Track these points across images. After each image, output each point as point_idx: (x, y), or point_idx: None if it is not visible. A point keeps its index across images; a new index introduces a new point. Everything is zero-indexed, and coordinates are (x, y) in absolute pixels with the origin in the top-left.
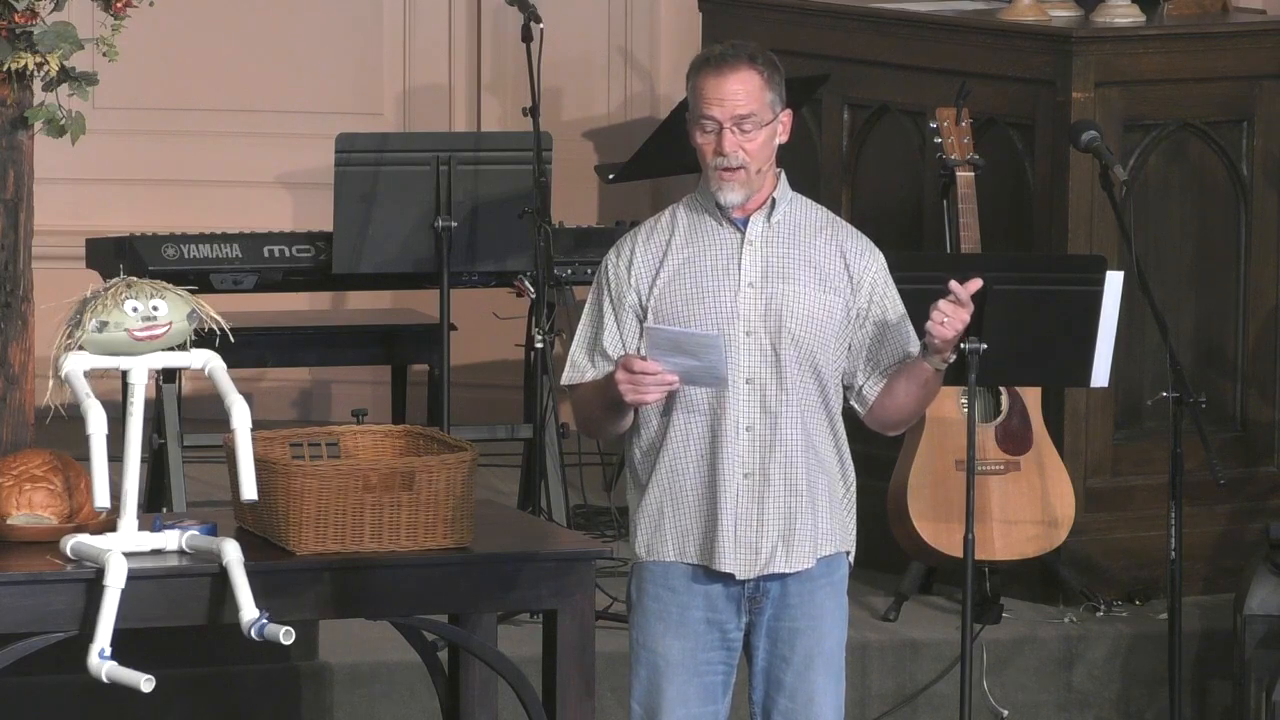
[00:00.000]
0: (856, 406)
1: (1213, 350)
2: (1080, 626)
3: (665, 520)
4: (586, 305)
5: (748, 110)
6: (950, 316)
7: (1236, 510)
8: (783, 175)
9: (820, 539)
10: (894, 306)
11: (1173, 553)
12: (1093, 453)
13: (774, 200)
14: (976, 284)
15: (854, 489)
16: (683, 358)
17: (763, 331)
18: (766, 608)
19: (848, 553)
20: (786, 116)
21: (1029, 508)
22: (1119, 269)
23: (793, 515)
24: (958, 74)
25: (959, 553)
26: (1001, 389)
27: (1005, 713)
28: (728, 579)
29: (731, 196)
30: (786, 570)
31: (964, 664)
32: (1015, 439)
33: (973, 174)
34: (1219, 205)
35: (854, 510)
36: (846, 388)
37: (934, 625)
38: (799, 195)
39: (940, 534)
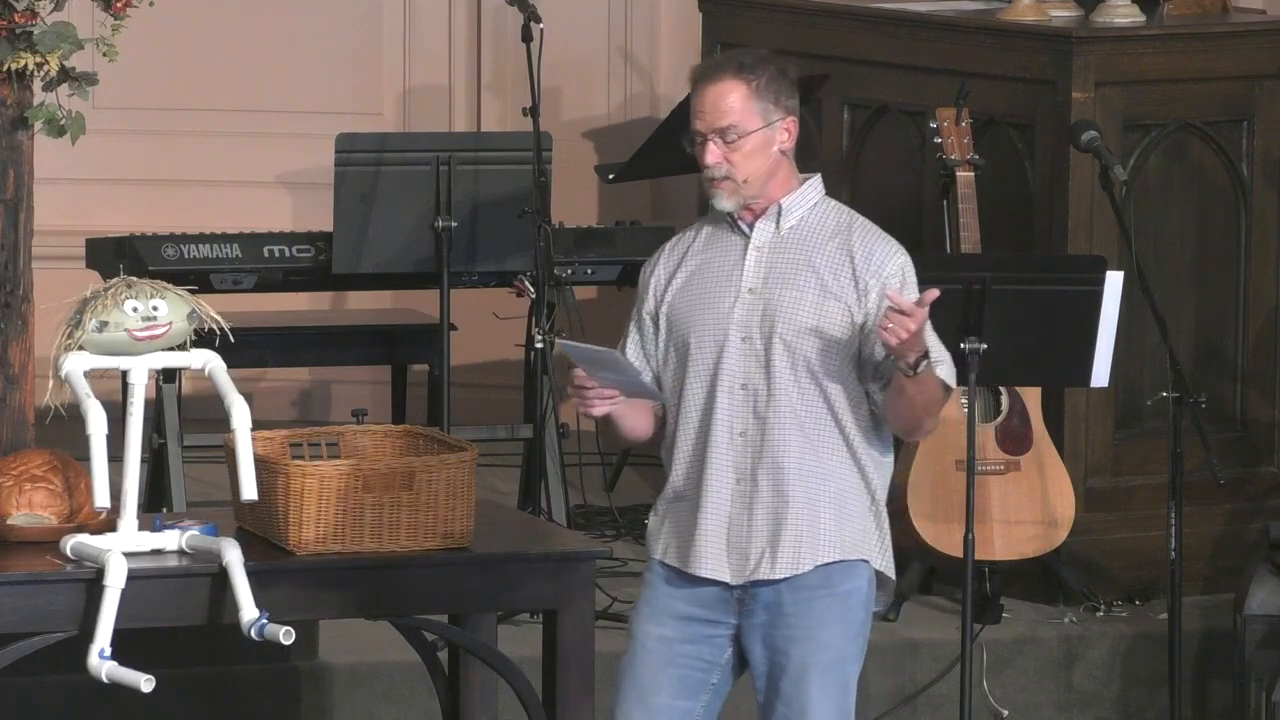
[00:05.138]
0: (878, 414)
1: (1213, 350)
2: (1080, 626)
3: (667, 519)
4: None
5: (728, 122)
6: (894, 324)
7: (1236, 510)
8: (814, 180)
9: (821, 547)
10: None
11: (1173, 553)
12: (1093, 453)
13: (781, 206)
14: (933, 295)
15: (882, 500)
16: (605, 371)
17: (758, 337)
18: (758, 612)
19: (865, 561)
20: (789, 123)
21: (1029, 508)
22: (1119, 269)
23: (779, 521)
24: (958, 74)
25: (959, 553)
26: (1001, 389)
27: (1005, 713)
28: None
29: (724, 203)
30: (771, 577)
31: (964, 664)
32: (1015, 439)
33: (973, 174)
34: (1219, 205)
35: (881, 521)
36: (869, 395)
37: (934, 625)
38: (829, 200)
39: (940, 534)
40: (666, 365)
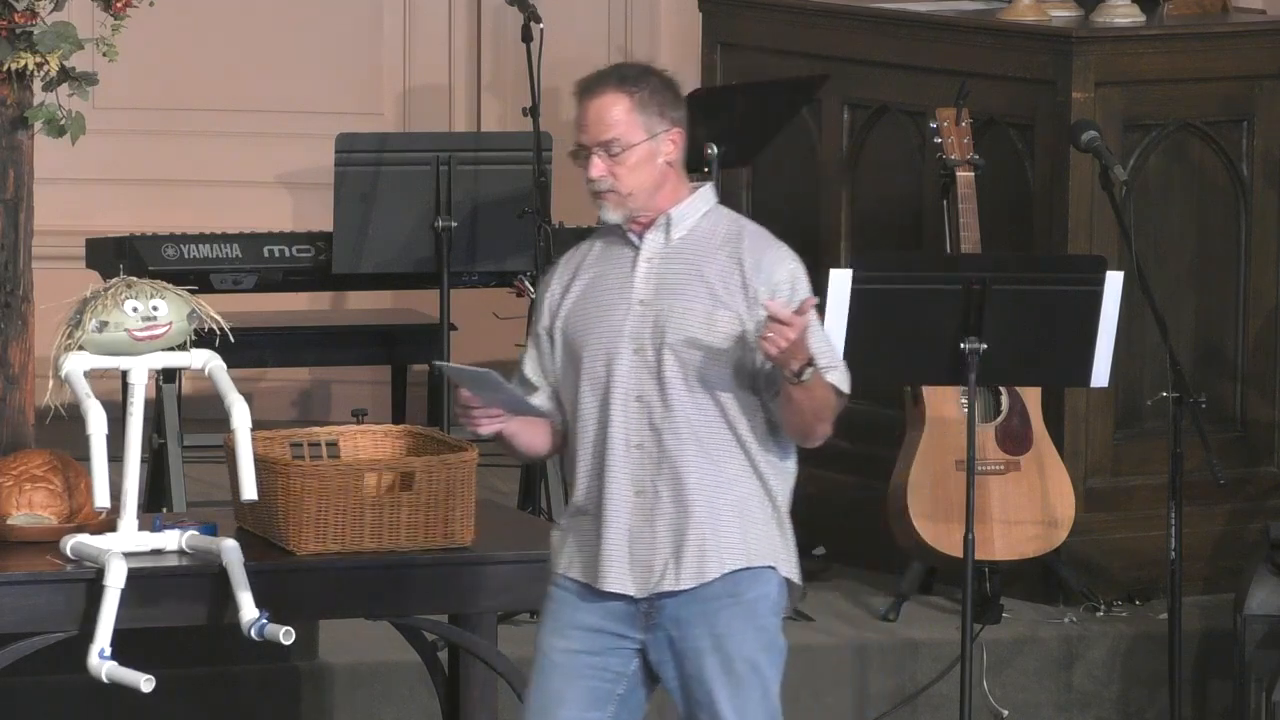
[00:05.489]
0: (774, 421)
1: (1213, 350)
2: (1080, 626)
3: (570, 534)
4: None
5: (612, 135)
6: (774, 333)
7: (1236, 510)
8: (705, 189)
9: (725, 555)
10: None
11: (1173, 553)
12: (1093, 453)
13: (670, 217)
14: (812, 302)
15: (784, 507)
16: (486, 391)
17: (650, 349)
18: (665, 626)
19: (773, 567)
20: (674, 135)
21: (1029, 508)
22: (1119, 269)
23: (681, 532)
24: (958, 74)
25: (959, 553)
26: (1001, 389)
27: (1005, 713)
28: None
29: (610, 215)
30: (676, 588)
31: (964, 664)
32: (1015, 439)
33: (973, 174)
34: (1219, 205)
35: (785, 527)
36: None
37: (934, 625)
38: (720, 209)
39: (940, 534)
40: (564, 380)
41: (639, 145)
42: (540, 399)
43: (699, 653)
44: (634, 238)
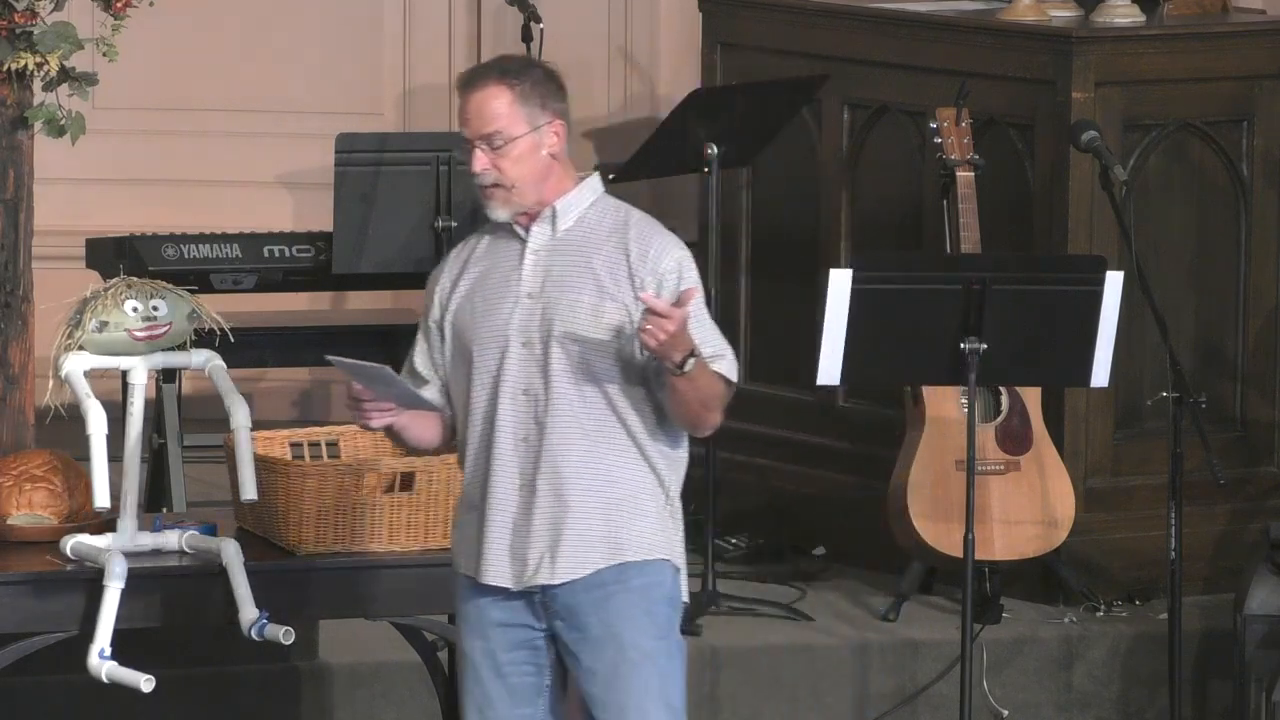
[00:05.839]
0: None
1: (1213, 350)
2: (1080, 626)
3: (462, 529)
4: None
5: (494, 128)
6: (653, 326)
7: (1236, 510)
8: (591, 179)
9: (609, 548)
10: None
11: (1173, 553)
12: (1093, 453)
13: (555, 209)
14: (692, 294)
15: (675, 496)
16: (379, 385)
17: (538, 342)
18: (559, 614)
19: (666, 559)
20: (556, 126)
21: (1029, 508)
22: (1119, 269)
23: (559, 527)
24: (958, 74)
25: (959, 553)
26: (1001, 389)
27: (1005, 713)
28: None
29: (497, 213)
30: (550, 582)
31: (964, 664)
32: (1015, 439)
33: (973, 174)
34: (1219, 205)
35: (676, 517)
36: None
37: (934, 625)
38: (608, 198)
39: (940, 534)
40: (453, 373)
41: (522, 138)
42: (430, 392)
43: (595, 643)
44: (520, 230)
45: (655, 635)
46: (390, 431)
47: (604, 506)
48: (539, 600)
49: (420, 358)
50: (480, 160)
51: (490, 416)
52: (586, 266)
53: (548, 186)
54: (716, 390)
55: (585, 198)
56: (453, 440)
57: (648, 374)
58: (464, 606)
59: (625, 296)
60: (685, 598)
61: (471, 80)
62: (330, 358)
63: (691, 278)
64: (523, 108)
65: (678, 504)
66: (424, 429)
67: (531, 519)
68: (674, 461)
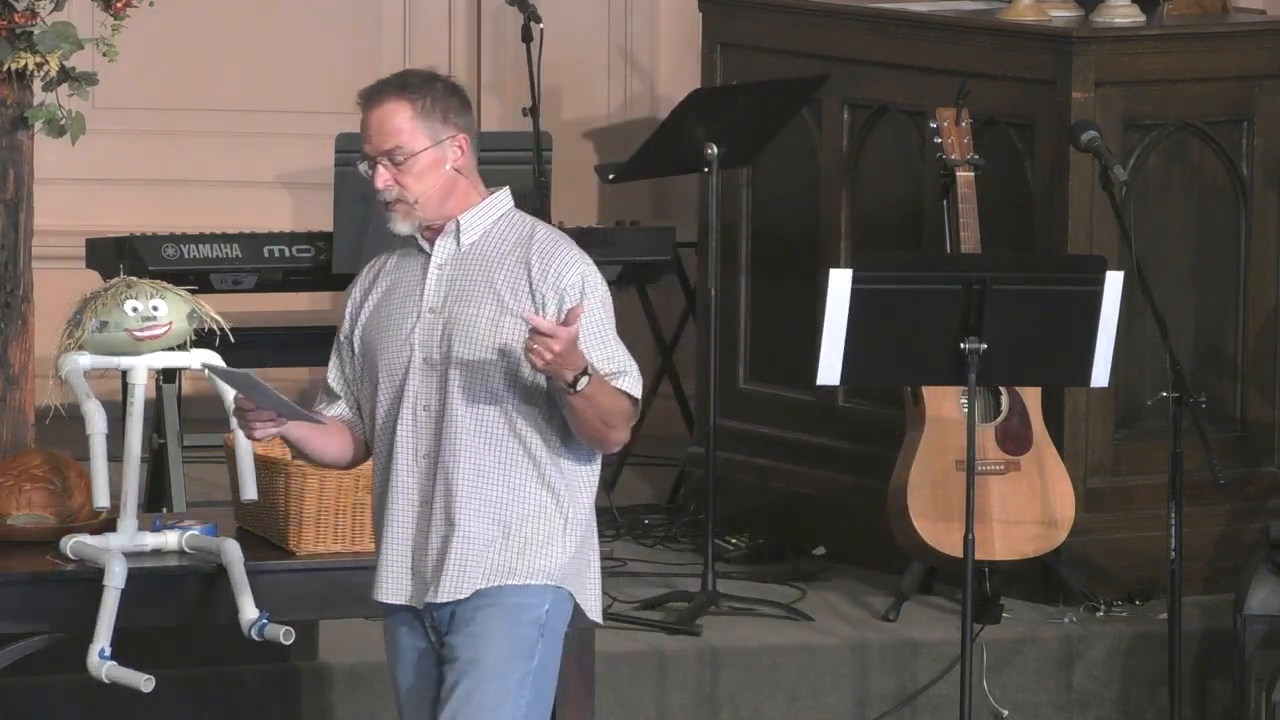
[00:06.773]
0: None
1: (1213, 350)
2: (1080, 626)
3: (378, 551)
4: None
5: (394, 144)
6: (539, 345)
7: (1236, 510)
8: (500, 194)
9: (489, 571)
10: (584, 322)
11: (1173, 553)
12: (1093, 453)
13: (460, 223)
14: (579, 310)
15: (577, 516)
16: (252, 392)
17: (439, 358)
18: (438, 629)
19: (556, 586)
20: (460, 140)
21: (1029, 508)
22: (1119, 269)
23: (446, 546)
24: (958, 74)
25: (959, 553)
26: (1001, 389)
27: (1005, 713)
28: (413, 607)
29: (400, 227)
30: (434, 600)
31: (964, 664)
32: (1015, 439)
33: (973, 174)
34: (1219, 205)
35: (576, 541)
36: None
37: (934, 625)
38: (517, 212)
39: (940, 534)
40: (362, 388)
41: (423, 153)
42: (340, 408)
43: (456, 660)
44: (425, 245)
45: (512, 655)
46: (290, 444)
47: (491, 528)
48: (426, 619)
49: (333, 373)
50: (382, 176)
51: (392, 432)
52: (488, 282)
53: (452, 201)
54: (619, 407)
55: (491, 212)
56: (368, 457)
57: (551, 392)
58: (388, 636)
59: (526, 312)
60: (565, 627)
61: (372, 96)
62: (203, 363)
63: (599, 292)
64: (424, 122)
65: (583, 525)
66: (325, 443)
67: (428, 538)
68: (579, 481)
